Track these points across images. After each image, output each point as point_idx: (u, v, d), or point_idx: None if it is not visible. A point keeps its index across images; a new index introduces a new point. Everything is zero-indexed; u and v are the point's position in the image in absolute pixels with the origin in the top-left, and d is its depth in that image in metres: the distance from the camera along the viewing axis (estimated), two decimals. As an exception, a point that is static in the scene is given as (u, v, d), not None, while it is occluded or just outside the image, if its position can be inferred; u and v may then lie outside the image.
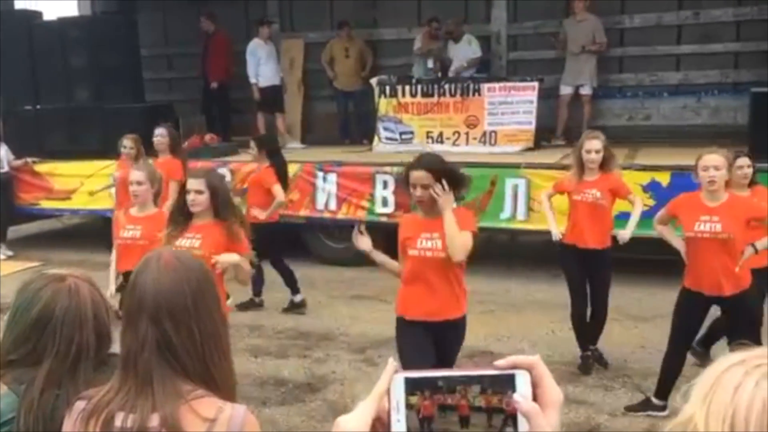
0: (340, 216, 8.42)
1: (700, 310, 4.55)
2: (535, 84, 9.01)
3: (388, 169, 8.23)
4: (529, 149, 8.81)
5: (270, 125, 10.31)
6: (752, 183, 5.16)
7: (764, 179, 6.64)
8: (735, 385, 0.91)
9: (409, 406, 0.85)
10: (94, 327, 1.61)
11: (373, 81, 9.61)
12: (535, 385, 0.84)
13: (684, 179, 7.01)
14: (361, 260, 8.26)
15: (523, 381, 0.85)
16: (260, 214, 6.65)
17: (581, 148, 5.33)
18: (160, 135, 7.26)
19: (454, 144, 9.18)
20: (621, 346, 5.70)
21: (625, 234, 5.27)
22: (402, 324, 4.07)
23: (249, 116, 10.40)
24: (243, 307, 6.81)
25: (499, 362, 0.86)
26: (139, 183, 4.74)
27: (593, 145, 5.28)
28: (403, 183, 4.07)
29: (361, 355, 5.81)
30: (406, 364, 3.68)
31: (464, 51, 9.75)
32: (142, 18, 10.92)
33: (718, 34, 9.34)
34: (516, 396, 0.84)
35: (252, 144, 7.05)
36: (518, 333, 6.27)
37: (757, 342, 4.39)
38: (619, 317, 5.64)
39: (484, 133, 9.12)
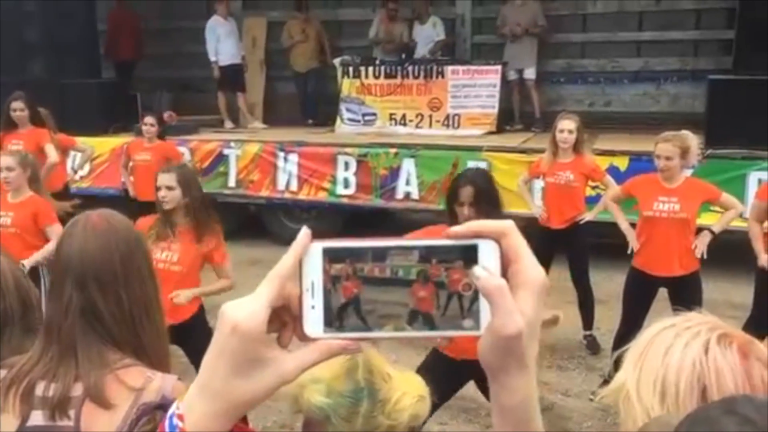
0: (301, 197, 8.36)
1: (649, 289, 4.64)
2: (498, 68, 9.03)
3: (349, 150, 8.19)
4: (491, 133, 8.83)
5: (231, 104, 10.17)
6: None
7: (717, 167, 6.83)
8: (665, 348, 0.90)
9: (328, 288, 0.66)
10: (17, 294, 1.55)
11: (337, 61, 9.52)
12: (508, 260, 0.65)
13: (642, 164, 7.11)
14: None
15: (488, 253, 0.65)
16: None
17: (555, 129, 5.47)
18: (18, 108, 6.62)
19: (417, 126, 9.17)
20: (575, 327, 5.76)
21: (586, 216, 5.40)
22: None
23: (209, 95, 10.23)
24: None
25: (456, 228, 0.66)
26: (9, 169, 4.53)
27: (566, 125, 5.41)
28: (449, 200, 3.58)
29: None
30: None
31: (429, 33, 9.70)
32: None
33: (678, 21, 9.43)
34: (476, 269, 0.65)
35: (153, 120, 6.89)
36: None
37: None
38: (574, 300, 5.70)
39: (448, 116, 9.12)
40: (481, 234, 0.66)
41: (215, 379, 0.65)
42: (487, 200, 3.39)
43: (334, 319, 0.66)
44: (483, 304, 0.65)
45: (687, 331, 0.91)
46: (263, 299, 0.64)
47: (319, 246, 0.66)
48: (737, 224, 4.97)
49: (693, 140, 4.60)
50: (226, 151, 8.54)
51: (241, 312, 0.64)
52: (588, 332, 5.56)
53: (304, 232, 0.67)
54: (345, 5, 10.78)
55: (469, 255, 0.65)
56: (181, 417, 0.66)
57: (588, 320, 5.54)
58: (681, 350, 0.89)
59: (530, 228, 5.67)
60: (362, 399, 1.22)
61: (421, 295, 0.66)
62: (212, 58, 9.88)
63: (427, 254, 0.66)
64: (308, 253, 0.66)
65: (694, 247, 4.51)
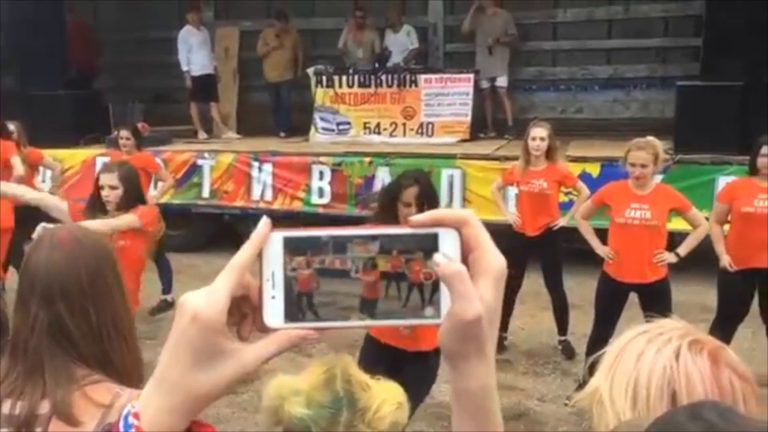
0: (275, 206, 8.33)
1: (620, 295, 4.70)
2: (471, 76, 9.10)
3: (324, 159, 8.19)
4: (465, 140, 8.89)
5: (204, 114, 10.12)
6: None
7: (686, 172, 6.94)
8: (637, 353, 0.92)
9: (289, 278, 0.65)
10: None
11: (310, 71, 9.53)
12: (468, 248, 0.66)
13: (613, 170, 7.18)
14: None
15: (448, 241, 0.65)
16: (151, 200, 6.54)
17: (527, 137, 5.53)
18: None
19: (391, 135, 9.20)
20: (550, 332, 5.81)
21: (560, 221, 5.48)
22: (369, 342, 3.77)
23: (182, 105, 10.17)
24: (156, 311, 6.44)
25: (417, 217, 0.66)
26: None
27: (537, 132, 5.47)
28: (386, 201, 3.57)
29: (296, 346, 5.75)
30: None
31: (403, 41, 9.75)
32: (73, 4, 10.54)
33: (646, 29, 9.59)
34: (436, 256, 0.65)
35: (128, 133, 6.79)
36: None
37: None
38: (549, 305, 5.75)
39: (421, 125, 9.16)
40: (442, 223, 0.66)
41: (173, 371, 0.63)
42: (431, 200, 3.46)
43: (294, 309, 0.65)
44: (443, 293, 0.65)
45: (659, 338, 0.93)
46: (223, 289, 0.63)
47: (279, 235, 0.65)
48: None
49: (660, 146, 4.68)
50: (199, 162, 8.50)
51: (201, 301, 0.62)
52: (563, 337, 5.60)
53: (264, 221, 0.66)
54: (318, 14, 10.80)
55: (430, 243, 0.65)
56: (136, 415, 0.64)
57: (562, 325, 5.59)
58: (653, 356, 0.91)
59: (505, 234, 5.75)
60: (342, 409, 1.23)
61: (380, 285, 0.66)
62: (184, 68, 9.83)
63: (389, 244, 0.66)
64: (268, 243, 0.65)
65: (657, 260, 4.57)
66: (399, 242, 0.66)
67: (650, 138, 4.66)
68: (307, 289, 0.66)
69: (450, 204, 7.85)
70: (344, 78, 9.31)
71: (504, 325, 5.70)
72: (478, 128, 9.34)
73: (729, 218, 4.95)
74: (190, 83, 9.87)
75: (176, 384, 0.63)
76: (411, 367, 3.46)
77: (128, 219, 4.00)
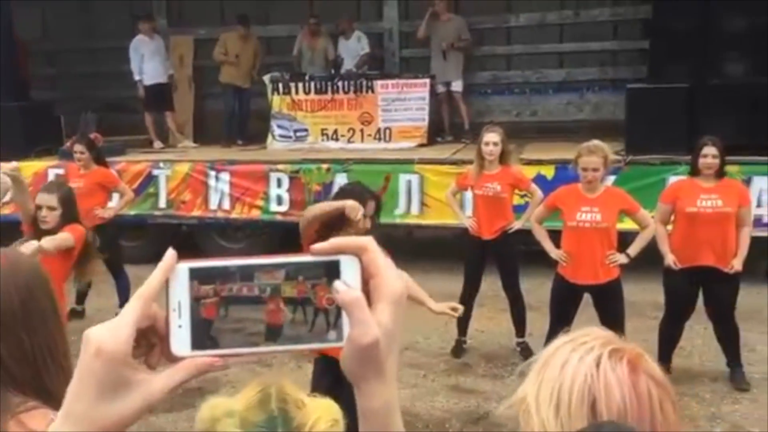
0: (234, 215, 8.29)
1: (574, 296, 4.79)
2: (427, 81, 9.17)
3: (281, 167, 8.17)
4: (422, 145, 8.95)
5: (159, 124, 10.00)
6: None
7: (637, 172, 7.09)
8: (562, 362, 0.95)
9: (195, 307, 0.67)
10: None
11: (266, 78, 9.49)
12: (369, 275, 0.69)
13: (567, 173, 7.31)
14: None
15: (349, 268, 0.69)
16: (105, 213, 6.45)
17: (481, 141, 5.59)
18: None
19: (349, 141, 9.22)
20: (509, 335, 5.88)
21: (516, 224, 5.56)
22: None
23: (137, 115, 10.05)
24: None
25: (318, 245, 0.69)
26: None
27: (490, 137, 5.55)
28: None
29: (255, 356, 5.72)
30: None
31: (354, 47, 9.79)
32: (20, 12, 10.32)
33: (597, 33, 9.77)
34: (337, 283, 0.68)
35: (82, 148, 6.67)
36: (412, 326, 6.32)
37: (622, 328, 4.68)
38: (507, 308, 5.82)
39: (379, 130, 9.20)
40: (343, 250, 0.69)
41: (80, 404, 0.64)
42: (378, 213, 3.59)
43: (201, 338, 0.67)
44: (345, 317, 0.68)
45: (582, 346, 0.96)
46: (127, 321, 0.64)
47: (185, 266, 0.67)
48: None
49: (608, 148, 4.79)
50: (155, 172, 8.40)
51: (105, 335, 0.64)
52: (521, 339, 5.68)
53: (170, 253, 0.68)
54: (273, 21, 10.77)
55: (332, 270, 0.68)
56: None
57: (520, 327, 5.67)
58: (575, 364, 0.93)
59: (462, 239, 5.82)
60: (276, 428, 1.23)
61: (286, 311, 0.68)
62: (136, 78, 9.71)
63: (294, 272, 0.69)
64: (175, 274, 0.67)
65: (609, 261, 4.67)
66: (304, 270, 0.69)
67: (598, 142, 4.76)
68: (214, 318, 0.67)
69: (409, 209, 7.92)
70: (301, 85, 9.30)
71: (463, 329, 5.76)
72: (436, 133, 9.41)
73: (672, 218, 5.09)
74: (143, 93, 9.75)
75: (82, 417, 0.64)
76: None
77: (64, 236, 4.00)
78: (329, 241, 0.69)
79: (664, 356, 5.15)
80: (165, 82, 9.94)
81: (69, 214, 4.10)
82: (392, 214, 7.95)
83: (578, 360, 0.94)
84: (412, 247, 9.24)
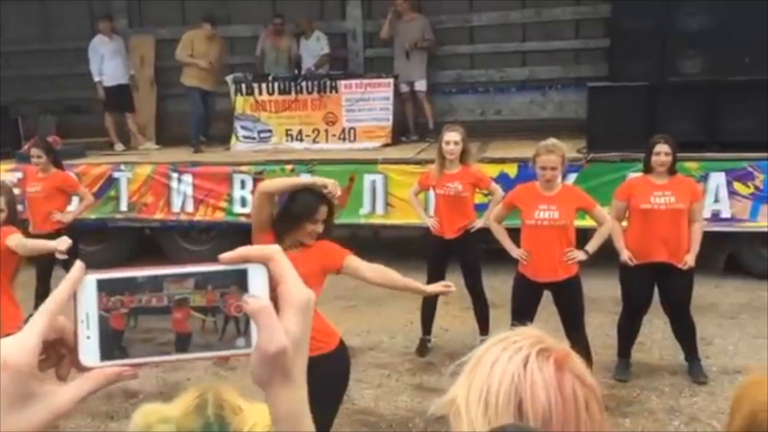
0: (197, 218, 8.20)
1: (535, 294, 4.84)
2: (390, 81, 9.16)
3: (245, 168, 8.11)
4: (387, 145, 8.95)
5: (120, 126, 9.86)
6: None
7: (598, 169, 7.17)
8: (492, 361, 0.95)
9: (103, 318, 0.68)
10: None
11: (229, 78, 9.41)
12: (275, 282, 0.71)
13: (530, 171, 7.37)
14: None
15: (257, 276, 0.71)
16: (64, 217, 6.35)
17: (441, 141, 5.60)
18: None
19: (314, 141, 9.18)
20: (474, 333, 5.90)
21: (477, 223, 5.57)
22: None
23: (97, 117, 9.89)
24: None
25: (226, 255, 0.71)
26: None
27: (451, 136, 5.56)
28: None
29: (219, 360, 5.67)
30: None
31: (313, 47, 9.75)
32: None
33: (559, 31, 9.85)
34: (245, 295, 0.70)
35: (40, 152, 6.52)
36: (378, 326, 6.35)
37: (581, 323, 4.74)
38: (471, 306, 5.84)
39: (343, 130, 9.18)
40: (249, 259, 0.71)
41: None
42: (330, 218, 3.55)
43: (109, 348, 0.68)
44: (254, 325, 0.70)
45: (512, 346, 0.96)
46: (33, 334, 0.65)
47: (92, 278, 0.68)
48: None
49: (565, 147, 4.84)
50: (116, 175, 8.28)
51: (10, 348, 0.64)
52: (484, 337, 5.69)
53: (78, 265, 0.69)
54: (235, 21, 10.68)
55: (240, 279, 0.70)
56: None
57: (484, 325, 5.69)
58: (504, 364, 0.93)
59: (425, 238, 5.83)
60: None
61: (195, 320, 0.70)
62: (96, 79, 9.55)
63: (203, 281, 0.70)
64: (82, 286, 0.68)
65: (567, 258, 4.71)
66: (212, 279, 0.70)
67: (555, 140, 4.81)
68: (123, 328, 0.69)
69: (374, 209, 7.91)
70: (264, 85, 9.23)
71: (427, 328, 5.77)
72: (400, 132, 9.42)
73: (627, 215, 5.16)
74: (103, 94, 9.60)
75: None
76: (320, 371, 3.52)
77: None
78: (237, 250, 0.71)
79: (624, 351, 5.22)
80: (125, 83, 9.79)
81: (11, 217, 4.14)
82: (357, 214, 7.95)
83: (507, 360, 0.94)
84: (378, 248, 9.24)
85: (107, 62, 9.50)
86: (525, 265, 4.85)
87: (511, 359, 0.94)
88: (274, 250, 0.72)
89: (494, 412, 0.91)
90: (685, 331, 5.13)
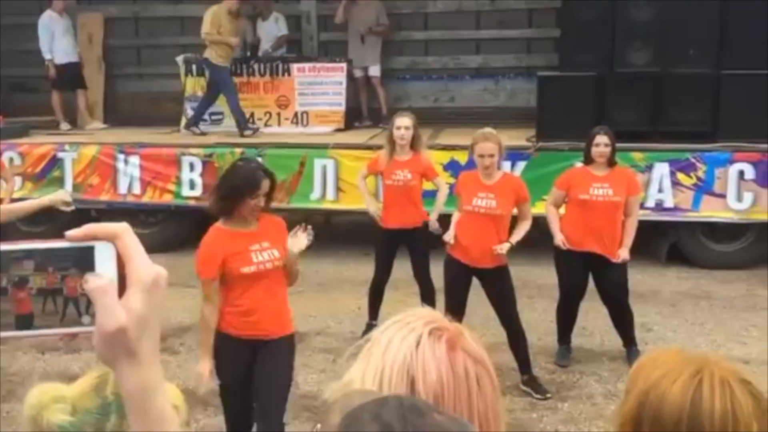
0: (145, 200, 8.07)
1: (465, 278, 4.90)
2: (344, 65, 9.12)
3: (194, 150, 7.99)
4: (340, 130, 8.91)
5: (67, 105, 9.61)
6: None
7: (546, 158, 7.25)
8: (386, 342, 0.95)
9: None
10: None
11: (179, 59, 9.25)
12: (123, 261, 0.71)
13: (479, 158, 7.44)
14: (168, 246, 8.08)
15: (103, 255, 0.70)
16: None
17: (392, 126, 5.60)
18: None
19: (266, 125, 9.10)
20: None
21: (433, 223, 5.58)
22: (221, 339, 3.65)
23: (43, 95, 9.62)
24: None
25: (72, 232, 0.72)
26: None
27: (402, 122, 5.56)
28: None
29: (162, 344, 5.54)
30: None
31: (271, 29, 9.63)
32: None
33: (512, 20, 9.90)
34: (87, 274, 0.70)
35: None
36: (325, 312, 6.34)
37: (514, 309, 4.80)
38: (416, 290, 5.86)
39: (296, 114, 9.12)
40: (96, 237, 0.71)
41: None
42: (271, 193, 3.54)
43: None
44: None
45: (406, 326, 0.96)
46: None
47: None
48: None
49: (500, 136, 4.87)
50: (60, 155, 8.08)
51: None
52: None
53: None
54: (186, 0, 10.47)
55: (85, 257, 0.70)
56: None
57: None
58: (398, 344, 0.94)
59: (375, 225, 5.81)
60: (110, 414, 1.19)
61: (35, 301, 0.70)
62: (47, 57, 9.28)
63: (45, 261, 0.70)
64: None
65: (495, 250, 4.74)
66: (56, 258, 0.70)
67: (491, 129, 4.85)
68: None
69: (324, 194, 7.87)
70: (215, 67, 9.07)
71: (374, 314, 5.77)
72: (354, 117, 9.39)
73: (565, 205, 5.26)
74: (54, 72, 9.34)
75: None
76: (267, 353, 3.57)
77: None
78: (83, 227, 0.71)
79: (563, 337, 5.31)
80: (77, 61, 9.55)
81: None
82: (308, 198, 7.90)
83: (400, 340, 0.94)
84: (329, 233, 9.22)
85: (58, 40, 9.23)
86: (455, 248, 4.88)
87: (404, 340, 0.94)
88: (122, 227, 0.72)
89: (388, 391, 0.91)
90: (622, 320, 5.24)
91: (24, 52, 9.83)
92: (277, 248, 3.53)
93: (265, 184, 3.50)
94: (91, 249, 0.70)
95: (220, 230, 3.54)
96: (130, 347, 0.71)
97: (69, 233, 0.71)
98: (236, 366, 3.62)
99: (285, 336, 3.66)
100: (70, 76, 9.43)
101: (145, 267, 0.72)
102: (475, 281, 4.97)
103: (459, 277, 4.88)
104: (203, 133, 8.72)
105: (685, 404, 1.01)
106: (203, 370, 3.51)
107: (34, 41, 9.28)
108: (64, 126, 9.39)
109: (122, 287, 0.72)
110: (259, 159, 7.80)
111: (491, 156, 4.66)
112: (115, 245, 0.71)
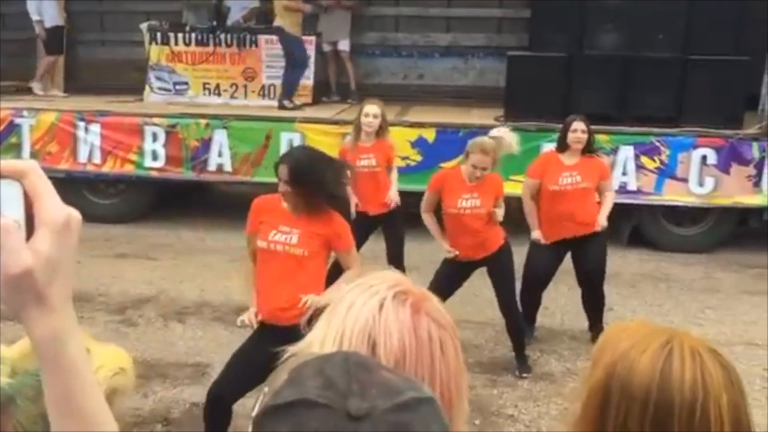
0: (105, 170, 7.89)
1: (463, 273, 4.87)
2: (313, 38, 8.98)
3: (157, 120, 7.81)
4: (307, 104, 8.79)
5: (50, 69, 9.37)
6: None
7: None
8: (348, 305, 0.91)
9: None
10: None
11: (143, 26, 9.02)
12: (31, 201, 0.67)
13: (447, 136, 7.42)
14: (128, 217, 7.93)
15: (9, 194, 0.66)
16: None
17: (360, 113, 5.58)
18: None
19: (232, 97, 8.95)
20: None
21: (391, 199, 5.59)
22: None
23: (22, 59, 9.36)
24: None
25: None
26: None
27: (371, 109, 5.55)
28: None
29: (120, 316, 5.51)
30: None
31: (241, -1, 9.46)
32: None
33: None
34: None
35: None
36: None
37: (513, 290, 4.80)
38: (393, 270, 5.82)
39: (263, 87, 8.97)
40: (2, 174, 0.66)
41: None
42: (303, 181, 3.37)
43: None
44: None
45: (370, 289, 0.92)
46: None
47: None
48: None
49: (499, 144, 4.76)
50: (17, 121, 7.85)
51: None
52: None
53: None
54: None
55: None
56: None
57: None
58: (359, 308, 0.90)
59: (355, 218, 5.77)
60: None
61: None
62: (35, 17, 9.05)
63: None
64: None
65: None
66: None
67: (491, 141, 4.66)
68: None
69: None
70: (180, 36, 8.90)
71: None
72: (322, 92, 9.28)
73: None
74: (44, 35, 9.08)
75: None
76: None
77: None
78: None
79: (529, 319, 5.33)
80: (62, 25, 9.33)
81: None
82: (273, 173, 7.78)
83: (362, 303, 0.91)
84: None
85: (46, 2, 9.03)
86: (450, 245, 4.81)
87: (366, 303, 0.90)
88: (29, 165, 0.68)
89: None
90: (594, 305, 5.26)
91: None
92: (304, 239, 3.43)
93: (282, 170, 3.41)
94: None
95: (275, 198, 3.53)
96: (39, 291, 0.66)
97: None
98: (252, 340, 3.56)
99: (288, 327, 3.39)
100: (59, 40, 9.26)
101: (56, 207, 0.68)
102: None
103: (455, 274, 4.81)
104: (298, 107, 8.33)
105: (655, 374, 0.99)
106: (249, 314, 3.50)
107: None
108: (38, 88, 9.18)
109: (30, 229, 0.67)
110: (224, 131, 7.74)
111: (484, 169, 4.59)
112: (22, 184, 0.67)
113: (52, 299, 0.67)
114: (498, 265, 4.81)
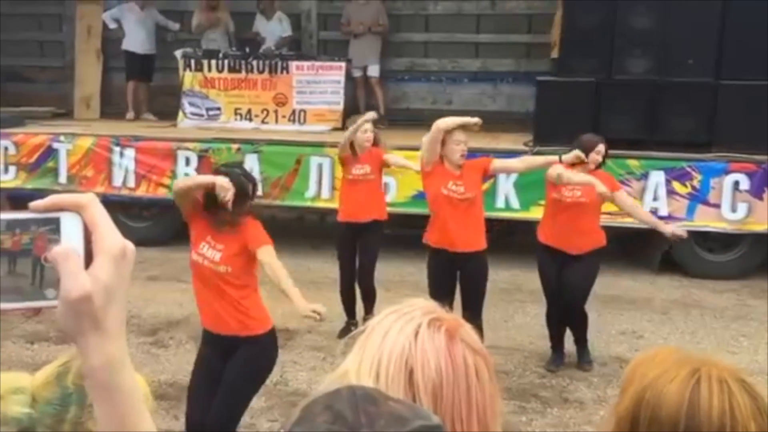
0: (139, 193, 8.04)
1: (447, 264, 4.96)
2: (343, 64, 9.10)
3: (190, 145, 7.96)
4: (337, 129, 8.87)
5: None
6: None
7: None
8: (384, 332, 0.94)
9: None
10: None
11: (178, 53, 9.21)
12: (90, 231, 0.71)
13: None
14: (161, 240, 8.05)
15: (70, 225, 0.70)
16: None
17: (353, 130, 5.80)
18: None
19: (263, 122, 9.07)
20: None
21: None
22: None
23: (39, 85, 9.59)
24: None
25: (37, 202, 0.71)
26: None
27: (367, 126, 5.81)
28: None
29: (152, 338, 5.58)
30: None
31: (274, 28, 9.62)
32: None
33: (512, 25, 9.91)
34: (55, 246, 0.70)
35: None
36: (317, 310, 6.31)
37: (482, 294, 4.87)
38: (408, 291, 5.85)
39: (293, 112, 9.08)
40: (63, 207, 0.70)
41: None
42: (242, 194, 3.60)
43: None
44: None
45: (404, 317, 0.95)
46: None
47: None
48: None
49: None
50: (55, 145, 8.05)
51: None
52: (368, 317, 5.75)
53: None
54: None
55: (52, 227, 0.70)
56: None
57: (369, 307, 5.72)
58: (395, 335, 0.92)
59: (339, 228, 5.92)
60: (70, 405, 1.14)
61: (2, 261, 0.69)
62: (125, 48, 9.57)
63: (11, 226, 0.69)
64: None
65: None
66: (23, 225, 0.70)
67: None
68: None
69: (319, 192, 7.86)
70: (213, 62, 9.07)
71: (350, 312, 5.83)
72: (351, 116, 9.36)
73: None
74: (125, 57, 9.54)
75: None
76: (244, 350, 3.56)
77: None
78: (49, 197, 0.70)
79: (553, 342, 5.32)
80: (148, 54, 9.72)
81: None
82: (303, 197, 7.90)
83: (398, 330, 0.93)
84: (323, 232, 9.20)
85: (130, 30, 9.51)
86: (432, 235, 4.99)
87: (402, 330, 0.93)
88: (88, 198, 0.71)
89: (385, 382, 0.90)
90: (572, 321, 5.25)
91: (20, 41, 9.78)
92: (226, 255, 3.55)
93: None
94: (57, 220, 0.69)
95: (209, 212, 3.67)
96: (96, 317, 0.68)
97: (33, 204, 0.69)
98: (200, 355, 3.73)
99: (257, 334, 3.60)
100: (138, 66, 9.63)
101: (113, 237, 0.71)
102: None
103: (441, 264, 4.96)
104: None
105: (683, 403, 1.00)
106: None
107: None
108: (129, 115, 9.51)
109: (89, 260, 0.70)
110: (256, 155, 7.85)
111: (465, 143, 4.97)
112: (82, 216, 0.70)
113: (108, 326, 0.69)
114: (473, 264, 4.93)
